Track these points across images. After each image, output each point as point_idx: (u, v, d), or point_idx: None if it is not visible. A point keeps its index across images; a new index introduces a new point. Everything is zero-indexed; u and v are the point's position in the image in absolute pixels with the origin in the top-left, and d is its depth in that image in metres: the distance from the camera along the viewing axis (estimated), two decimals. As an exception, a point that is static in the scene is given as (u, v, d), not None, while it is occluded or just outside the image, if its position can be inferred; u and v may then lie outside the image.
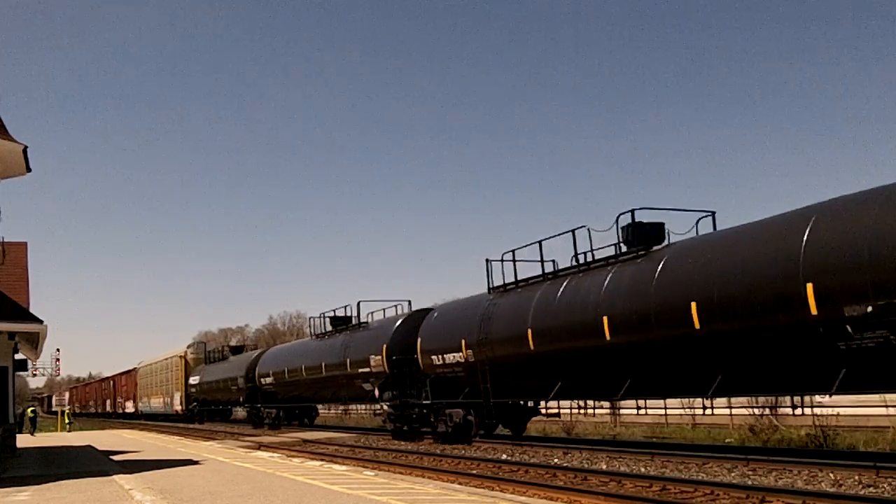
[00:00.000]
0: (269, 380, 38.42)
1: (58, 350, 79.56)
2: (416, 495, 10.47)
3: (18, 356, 22.18)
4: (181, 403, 54.94)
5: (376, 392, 27.07)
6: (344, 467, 15.74)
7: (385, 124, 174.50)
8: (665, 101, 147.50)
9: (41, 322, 17.66)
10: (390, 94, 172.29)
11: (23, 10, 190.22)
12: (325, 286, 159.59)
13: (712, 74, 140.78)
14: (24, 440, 30.88)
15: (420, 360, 24.30)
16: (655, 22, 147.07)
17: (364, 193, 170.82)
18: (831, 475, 12.10)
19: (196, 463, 17.33)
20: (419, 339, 24.44)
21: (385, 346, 26.23)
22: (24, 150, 16.46)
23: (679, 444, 19.72)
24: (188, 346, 57.70)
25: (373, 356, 26.99)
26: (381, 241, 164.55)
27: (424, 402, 24.07)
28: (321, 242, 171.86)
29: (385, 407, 26.80)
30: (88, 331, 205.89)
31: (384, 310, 30.01)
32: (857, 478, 11.68)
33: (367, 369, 27.51)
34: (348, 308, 32.68)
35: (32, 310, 19.33)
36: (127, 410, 74.51)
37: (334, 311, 33.65)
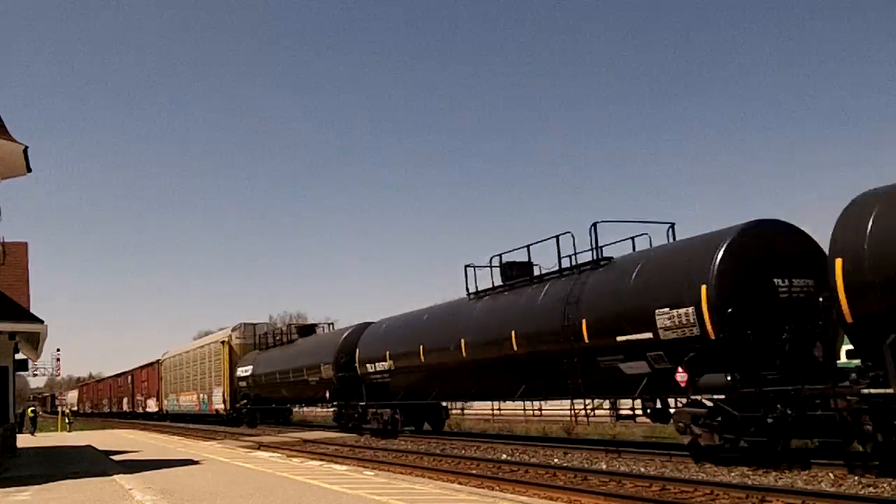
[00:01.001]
0: (381, 366, 27.04)
1: (58, 350, 79.97)
2: (416, 495, 10.48)
3: (19, 356, 22.20)
4: (224, 401, 44.07)
5: (680, 374, 14.79)
6: (344, 467, 15.74)
7: (385, 124, 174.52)
8: (665, 99, 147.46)
9: (41, 322, 17.68)
10: (389, 94, 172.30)
11: (23, 9, 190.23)
12: (325, 286, 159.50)
13: (713, 73, 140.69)
14: (24, 440, 30.89)
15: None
16: (657, 21, 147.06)
17: (364, 194, 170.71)
18: (831, 475, 12.09)
19: (196, 463, 17.34)
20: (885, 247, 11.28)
21: (706, 286, 14.16)
22: (25, 150, 16.48)
23: (679, 444, 19.70)
24: (233, 329, 45.52)
25: (666, 310, 14.82)
26: (381, 240, 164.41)
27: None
28: (321, 242, 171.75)
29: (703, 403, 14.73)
30: (88, 331, 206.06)
31: (599, 248, 18.05)
32: (856, 478, 11.68)
33: (643, 335, 15.42)
34: (569, 238, 19.01)
35: (32, 310, 19.36)
36: (149, 410, 64.52)
37: (533, 245, 20.92)
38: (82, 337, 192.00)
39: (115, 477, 14.51)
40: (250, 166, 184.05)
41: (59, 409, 79.70)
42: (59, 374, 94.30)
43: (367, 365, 28.10)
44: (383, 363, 26.97)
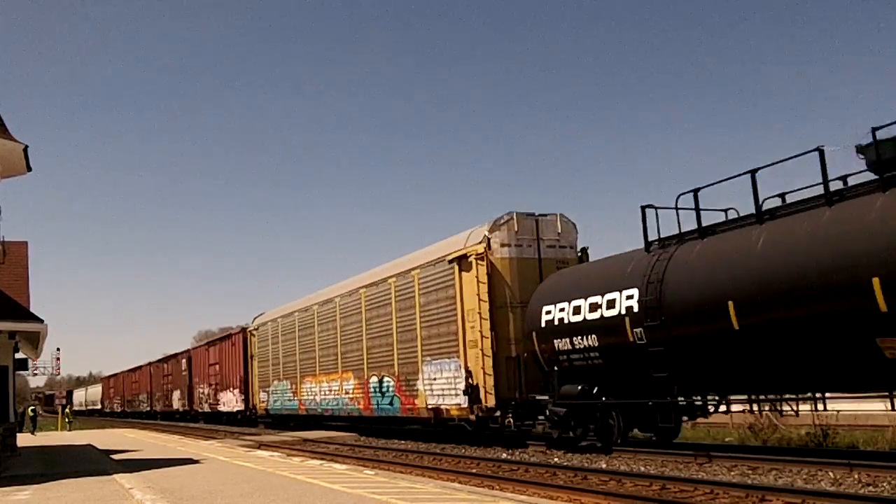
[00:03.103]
0: None
1: (58, 349, 79.76)
2: (416, 494, 10.48)
3: (19, 355, 22.23)
4: (480, 390, 19.70)
5: None
6: (344, 466, 15.74)
7: (385, 124, 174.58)
8: (664, 97, 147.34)
9: (41, 321, 17.71)
10: (387, 94, 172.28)
11: (23, 9, 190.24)
12: (325, 285, 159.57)
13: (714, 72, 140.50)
14: (24, 439, 30.90)
15: None
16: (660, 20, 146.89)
17: (363, 192, 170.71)
18: (831, 474, 12.10)
19: (196, 462, 17.33)
20: None
21: None
22: (25, 150, 16.49)
23: (679, 444, 19.71)
24: (491, 229, 20.22)
25: None
26: (380, 239, 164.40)
27: None
28: (321, 241, 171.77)
29: None
30: (88, 331, 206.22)
31: None
32: (856, 477, 11.69)
33: None
34: None
35: (32, 309, 19.38)
36: (222, 408, 42.44)
37: None
38: (82, 337, 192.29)
39: (115, 476, 14.52)
40: (251, 166, 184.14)
41: (60, 407, 79.23)
42: (58, 374, 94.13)
43: None
44: None
